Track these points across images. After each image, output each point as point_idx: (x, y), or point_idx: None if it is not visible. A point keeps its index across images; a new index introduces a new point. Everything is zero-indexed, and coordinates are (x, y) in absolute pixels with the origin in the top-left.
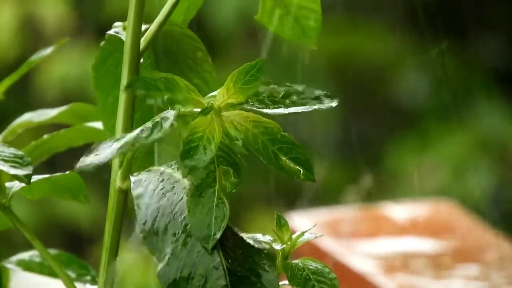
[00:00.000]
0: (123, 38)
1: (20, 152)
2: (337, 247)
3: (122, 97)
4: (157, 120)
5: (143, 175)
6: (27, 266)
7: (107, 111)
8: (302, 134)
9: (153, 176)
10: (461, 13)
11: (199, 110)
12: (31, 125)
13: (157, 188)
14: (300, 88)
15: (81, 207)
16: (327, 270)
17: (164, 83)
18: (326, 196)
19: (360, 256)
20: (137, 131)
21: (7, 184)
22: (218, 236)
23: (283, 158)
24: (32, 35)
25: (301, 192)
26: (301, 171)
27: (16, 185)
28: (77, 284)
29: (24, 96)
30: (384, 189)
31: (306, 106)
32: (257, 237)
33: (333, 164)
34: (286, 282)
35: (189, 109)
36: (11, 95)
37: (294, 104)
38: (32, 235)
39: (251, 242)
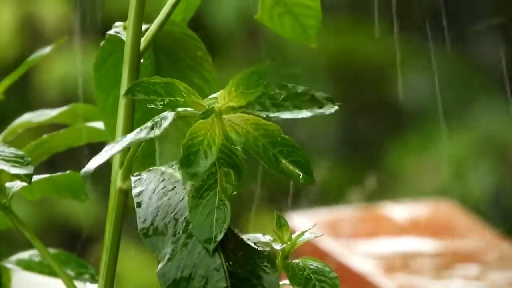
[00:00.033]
0: (124, 38)
1: (21, 152)
2: (337, 247)
3: (122, 99)
4: (156, 120)
5: (144, 175)
6: (27, 265)
7: (108, 111)
8: (302, 134)
9: (153, 176)
10: (461, 13)
11: (200, 112)
12: (31, 125)
13: (157, 187)
14: (301, 90)
15: (81, 207)
16: (327, 269)
17: (164, 87)
18: (326, 196)
19: (360, 256)
20: (137, 130)
21: (7, 184)
22: (219, 238)
23: (283, 161)
24: (32, 35)
25: (301, 192)
26: (301, 175)
27: (16, 185)
28: (76, 282)
29: (24, 96)
30: (384, 189)
31: (307, 110)
32: (258, 237)
33: (333, 164)
34: (287, 281)
35: (190, 111)
36: (11, 95)
37: (295, 108)
38: (32, 235)
39: (252, 244)
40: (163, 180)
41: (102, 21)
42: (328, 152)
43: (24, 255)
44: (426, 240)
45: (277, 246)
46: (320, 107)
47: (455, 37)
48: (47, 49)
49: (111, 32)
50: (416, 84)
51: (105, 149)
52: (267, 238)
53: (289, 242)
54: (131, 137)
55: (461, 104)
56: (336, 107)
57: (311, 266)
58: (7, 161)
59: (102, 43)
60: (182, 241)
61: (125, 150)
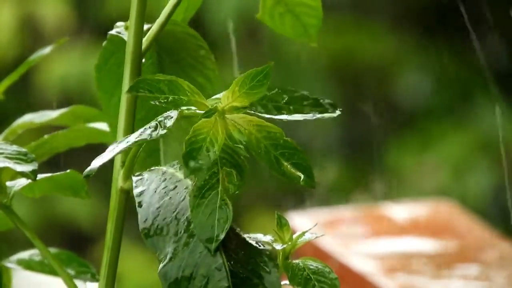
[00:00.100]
0: (125, 38)
1: (24, 149)
2: (337, 247)
3: (124, 98)
4: (160, 119)
5: (145, 175)
6: (28, 265)
7: (111, 111)
8: (301, 133)
9: (155, 176)
10: (461, 13)
11: (203, 111)
12: (32, 126)
13: (159, 187)
14: (303, 94)
15: (82, 206)
16: (327, 270)
17: (168, 85)
18: (326, 196)
19: (360, 256)
20: (141, 130)
21: (8, 183)
22: (221, 237)
23: (285, 164)
24: (32, 35)
25: (301, 192)
26: (302, 177)
27: (17, 184)
28: (77, 282)
29: (24, 96)
30: (384, 189)
31: (309, 114)
32: (258, 237)
33: (333, 164)
34: (287, 282)
35: (193, 111)
36: (11, 95)
37: (296, 110)
38: (33, 234)
39: (253, 243)
40: (165, 180)
41: (102, 21)
42: (328, 152)
43: (25, 254)
44: (426, 240)
45: (278, 246)
46: (321, 112)
47: (455, 37)
48: (47, 49)
49: (113, 32)
50: (416, 84)
51: (109, 148)
52: (268, 238)
53: (290, 243)
54: (135, 136)
55: (461, 104)
56: (338, 112)
57: (311, 267)
58: (11, 158)
59: (104, 43)
60: (183, 241)
61: (127, 150)
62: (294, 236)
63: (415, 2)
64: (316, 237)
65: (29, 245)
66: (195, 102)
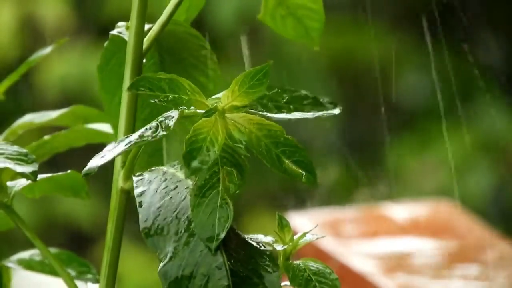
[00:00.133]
0: (126, 38)
1: (24, 150)
2: (337, 247)
3: (125, 97)
4: (161, 119)
5: (146, 175)
6: (28, 265)
7: (114, 112)
8: (301, 133)
9: (155, 176)
10: (461, 13)
11: (203, 111)
12: (32, 126)
13: (159, 187)
14: (303, 93)
15: (82, 207)
16: (328, 270)
17: (168, 84)
18: (326, 196)
19: (360, 256)
20: (142, 130)
21: (9, 183)
22: (222, 236)
23: (286, 161)
24: (32, 35)
25: (302, 192)
26: (304, 175)
27: (18, 184)
28: (78, 282)
29: (24, 96)
30: (384, 189)
31: (310, 113)
32: (259, 238)
33: (333, 164)
34: (288, 283)
35: (193, 110)
36: (11, 95)
37: (297, 109)
38: (33, 234)
39: (253, 243)
40: (165, 180)
41: (102, 21)
42: (328, 152)
43: (25, 254)
44: (426, 240)
45: (279, 247)
46: (321, 110)
47: (455, 37)
48: (47, 50)
49: (114, 32)
50: (416, 84)
51: (109, 148)
52: (268, 239)
53: (290, 243)
54: (136, 136)
55: (461, 104)
56: (339, 110)
57: (312, 268)
58: (11, 159)
59: (106, 43)
60: (184, 240)
61: (127, 150)
62: (295, 237)
63: (415, 2)
64: (317, 238)
65: (29, 245)
66: (195, 101)
